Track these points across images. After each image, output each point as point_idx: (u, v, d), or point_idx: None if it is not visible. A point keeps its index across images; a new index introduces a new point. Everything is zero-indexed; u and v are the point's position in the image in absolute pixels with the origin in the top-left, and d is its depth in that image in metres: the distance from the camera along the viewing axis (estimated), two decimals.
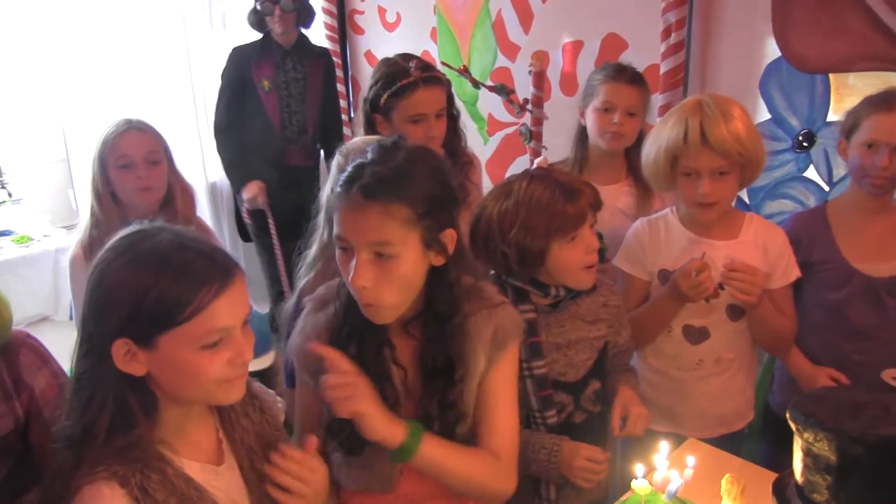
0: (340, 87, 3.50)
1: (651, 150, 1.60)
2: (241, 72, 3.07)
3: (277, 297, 3.13)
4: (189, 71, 3.61)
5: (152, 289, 0.90)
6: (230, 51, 3.12)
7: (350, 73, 3.66)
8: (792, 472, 1.09)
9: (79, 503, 0.89)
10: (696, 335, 1.65)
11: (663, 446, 1.20)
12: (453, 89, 1.92)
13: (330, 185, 1.55)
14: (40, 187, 3.76)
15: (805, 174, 2.27)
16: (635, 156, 1.91)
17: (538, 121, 2.56)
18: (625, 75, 1.92)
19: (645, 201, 1.96)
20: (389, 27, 3.41)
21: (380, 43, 3.45)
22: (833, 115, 2.16)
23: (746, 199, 2.36)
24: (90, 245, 1.81)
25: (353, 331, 1.16)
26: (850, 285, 1.67)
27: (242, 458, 1.07)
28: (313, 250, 1.53)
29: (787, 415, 1.06)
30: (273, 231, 3.01)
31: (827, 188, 2.23)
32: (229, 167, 3.14)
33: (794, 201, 2.30)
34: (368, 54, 3.54)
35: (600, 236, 1.47)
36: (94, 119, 3.37)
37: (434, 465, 1.13)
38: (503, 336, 1.18)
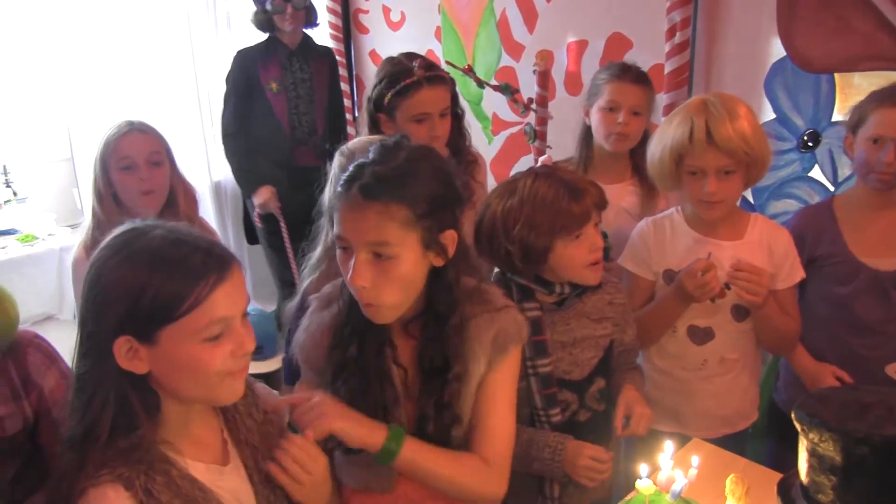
0: (345, 87, 3.50)
1: (656, 149, 1.60)
2: (247, 74, 3.04)
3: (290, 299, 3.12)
4: (193, 70, 3.61)
5: (150, 284, 0.89)
6: (234, 54, 3.10)
7: (354, 72, 3.66)
8: (797, 473, 1.09)
9: None
10: (701, 335, 1.65)
11: (668, 446, 1.20)
12: (458, 88, 1.92)
13: (331, 185, 1.56)
14: (45, 186, 3.76)
15: (810, 174, 2.27)
16: (640, 155, 1.90)
17: (543, 120, 2.56)
18: (630, 75, 1.92)
19: (650, 201, 1.95)
20: (394, 26, 3.41)
21: (384, 42, 3.45)
22: (838, 115, 2.16)
23: (751, 199, 2.36)
24: (92, 246, 1.80)
25: (355, 330, 1.17)
26: (856, 279, 1.67)
27: (247, 458, 1.07)
28: (318, 251, 1.54)
29: (793, 415, 1.06)
30: (285, 235, 2.99)
31: (832, 188, 2.22)
32: (239, 172, 3.11)
33: (798, 201, 2.29)
34: (373, 53, 3.54)
35: (605, 235, 1.47)
36: (98, 118, 3.38)
37: (417, 469, 1.13)
38: (505, 340, 1.17)
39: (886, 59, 1.97)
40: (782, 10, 2.08)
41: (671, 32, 2.39)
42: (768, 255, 1.61)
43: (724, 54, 2.39)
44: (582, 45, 2.74)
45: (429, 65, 1.76)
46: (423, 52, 3.06)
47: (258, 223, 3.10)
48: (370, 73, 3.52)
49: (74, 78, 3.42)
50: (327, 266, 1.48)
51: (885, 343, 1.68)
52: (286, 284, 3.12)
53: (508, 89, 2.78)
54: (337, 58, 3.42)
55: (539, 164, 1.57)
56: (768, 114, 2.28)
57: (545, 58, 2.49)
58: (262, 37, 3.12)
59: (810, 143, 2.23)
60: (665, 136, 1.57)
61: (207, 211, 3.75)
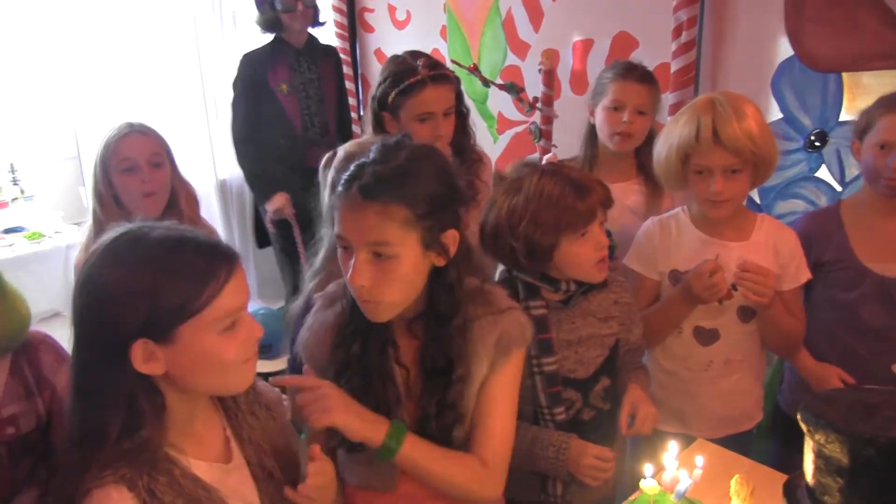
0: (350, 86, 3.50)
1: (663, 147, 1.60)
2: (255, 77, 3.00)
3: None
4: (199, 69, 3.62)
5: (165, 287, 0.90)
6: (240, 58, 3.05)
7: (360, 71, 3.67)
8: (802, 474, 1.08)
9: None
10: (707, 337, 1.64)
11: (672, 446, 1.19)
12: (463, 88, 1.92)
13: (328, 187, 1.56)
14: (52, 184, 3.78)
15: (817, 174, 2.26)
16: (645, 154, 1.90)
17: (548, 119, 2.56)
18: (635, 74, 1.91)
19: (655, 200, 1.95)
20: (399, 25, 3.41)
21: (389, 41, 3.45)
22: (846, 115, 2.15)
23: (757, 199, 2.35)
24: None
25: (358, 329, 1.17)
26: (863, 285, 1.66)
27: (251, 455, 1.07)
28: (320, 254, 1.54)
29: (798, 416, 1.05)
30: (299, 240, 2.96)
31: (839, 188, 2.21)
32: (253, 178, 3.08)
33: (805, 201, 2.28)
34: (378, 52, 3.54)
35: (609, 234, 1.47)
36: (104, 117, 3.39)
37: (415, 467, 1.14)
38: (508, 342, 1.17)
39: None
40: (790, 8, 2.07)
41: (677, 31, 2.38)
42: (774, 256, 1.61)
43: (730, 53, 2.38)
44: (587, 45, 2.74)
45: (433, 64, 1.76)
46: (428, 51, 3.05)
47: (271, 229, 3.07)
48: (375, 72, 3.52)
49: (81, 77, 3.43)
50: (330, 268, 1.48)
51: (891, 349, 1.67)
52: (296, 290, 3.10)
53: (514, 88, 2.78)
54: (342, 56, 3.42)
55: (544, 161, 1.56)
56: (775, 113, 2.27)
57: (551, 57, 2.48)
58: (268, 37, 3.08)
59: (817, 143, 2.22)
60: (672, 134, 1.57)
61: (213, 210, 3.76)
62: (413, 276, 1.10)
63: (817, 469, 1.02)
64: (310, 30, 3.13)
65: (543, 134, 2.57)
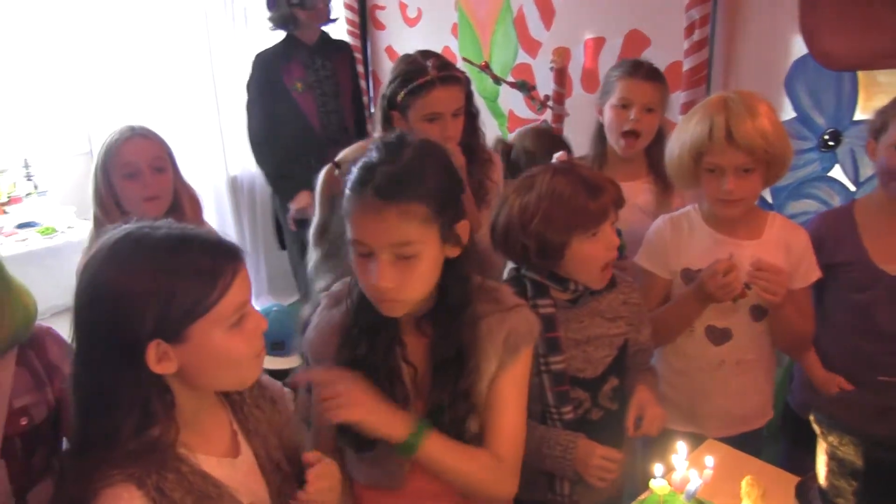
0: (361, 83, 3.50)
1: (675, 146, 1.59)
2: (269, 77, 2.98)
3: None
4: (210, 66, 3.63)
5: (175, 288, 0.90)
6: (253, 59, 3.03)
7: (371, 68, 3.67)
8: (815, 476, 1.08)
9: None
10: (719, 336, 1.64)
11: (681, 446, 1.19)
12: (474, 86, 1.92)
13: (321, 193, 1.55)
14: (65, 180, 3.80)
15: (830, 174, 2.24)
16: (655, 153, 1.89)
17: (559, 117, 2.56)
18: (641, 71, 1.90)
19: (665, 199, 1.94)
20: (410, 22, 3.41)
21: (401, 38, 3.45)
22: (861, 114, 2.13)
23: (769, 199, 2.34)
24: None
25: (365, 329, 1.17)
26: (876, 286, 1.65)
27: (258, 448, 1.08)
28: (315, 256, 1.53)
29: (811, 417, 1.04)
30: None
31: (853, 188, 2.20)
32: (275, 179, 3.06)
33: (818, 201, 2.27)
34: (389, 49, 3.55)
35: (619, 233, 1.46)
36: (117, 113, 3.41)
37: (436, 463, 1.13)
38: (516, 340, 1.17)
39: None
40: (805, 7, 2.05)
41: (690, 30, 2.37)
42: (786, 254, 1.60)
43: (743, 52, 2.37)
44: (599, 43, 2.73)
45: (443, 64, 1.76)
46: (439, 49, 3.06)
47: (293, 228, 3.06)
48: (386, 70, 3.53)
49: (94, 74, 3.46)
50: (335, 266, 1.49)
51: None
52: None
53: (525, 86, 2.78)
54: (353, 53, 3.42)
55: (555, 159, 1.56)
56: (788, 112, 2.25)
57: (562, 55, 2.48)
58: (278, 34, 3.07)
59: (831, 143, 2.21)
60: (684, 133, 1.56)
61: (224, 206, 3.78)
62: (433, 270, 1.11)
63: (830, 471, 1.02)
64: (321, 26, 3.13)
65: (555, 131, 2.57)
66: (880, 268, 1.65)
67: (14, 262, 3.18)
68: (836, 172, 2.23)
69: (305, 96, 3.01)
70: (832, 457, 1.01)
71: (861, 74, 2.10)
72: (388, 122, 1.80)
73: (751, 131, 1.46)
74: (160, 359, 0.91)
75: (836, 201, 2.21)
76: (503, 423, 1.18)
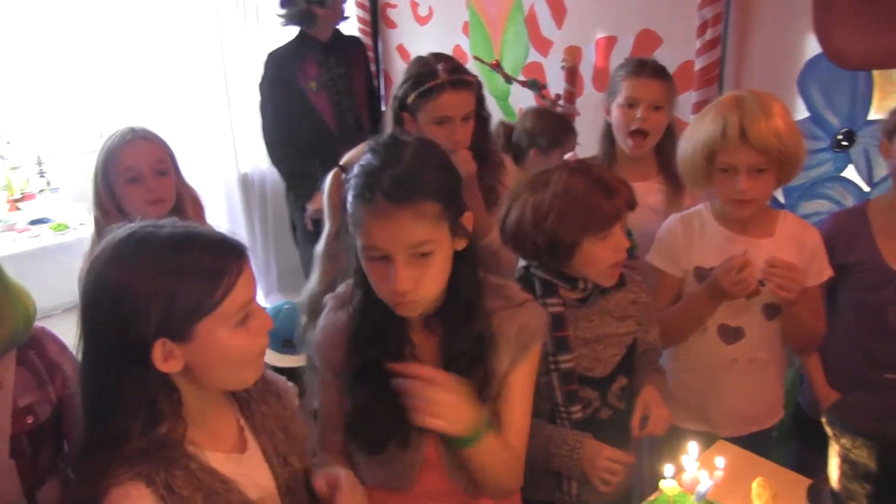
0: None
1: (688, 145, 1.58)
2: (283, 76, 2.96)
3: None
4: (222, 62, 3.64)
5: (180, 286, 0.90)
6: (266, 58, 3.02)
7: (382, 66, 3.67)
8: (827, 479, 1.07)
9: None
10: (731, 334, 1.63)
11: (692, 447, 1.18)
12: (484, 84, 1.92)
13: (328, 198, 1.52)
14: (77, 176, 3.83)
15: (843, 174, 2.22)
16: (665, 152, 1.89)
17: (570, 116, 2.55)
18: (647, 70, 1.90)
19: (676, 199, 1.93)
20: (421, 21, 3.41)
21: (412, 37, 3.45)
22: (875, 114, 2.11)
23: (781, 199, 2.32)
24: None
25: (374, 335, 1.16)
26: (889, 287, 1.64)
27: (265, 443, 1.08)
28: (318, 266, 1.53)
29: (824, 419, 1.04)
30: None
31: (867, 188, 2.18)
32: (292, 179, 3.05)
33: (831, 202, 2.25)
34: (400, 48, 3.55)
35: (629, 233, 1.46)
36: (128, 110, 3.43)
37: (478, 456, 1.12)
38: (528, 336, 1.18)
39: None
40: (818, 5, 2.03)
41: (702, 29, 2.36)
42: (799, 252, 1.60)
43: (756, 51, 2.35)
44: (611, 42, 2.72)
45: (454, 68, 1.76)
46: (450, 47, 3.06)
47: (310, 227, 3.05)
48: (397, 68, 3.54)
49: (105, 71, 3.48)
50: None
51: None
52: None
53: (536, 85, 2.78)
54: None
55: (566, 158, 1.56)
56: (801, 112, 2.24)
57: (573, 54, 2.48)
58: (290, 31, 3.05)
59: (845, 143, 2.19)
60: (697, 132, 1.56)
61: (235, 203, 3.80)
62: (447, 265, 1.11)
63: (843, 474, 1.01)
64: (336, 25, 3.12)
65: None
66: (893, 268, 1.64)
67: (27, 257, 3.22)
68: (850, 172, 2.21)
69: (319, 95, 2.99)
70: (845, 459, 1.00)
71: (876, 74, 2.08)
72: (398, 123, 1.81)
73: (765, 131, 1.46)
74: (166, 358, 0.91)
75: (850, 202, 2.19)
76: (514, 417, 1.19)
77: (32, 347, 1.31)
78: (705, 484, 1.11)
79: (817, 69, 2.18)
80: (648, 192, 1.94)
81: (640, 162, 1.96)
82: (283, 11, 2.99)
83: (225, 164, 3.74)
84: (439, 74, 1.71)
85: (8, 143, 3.56)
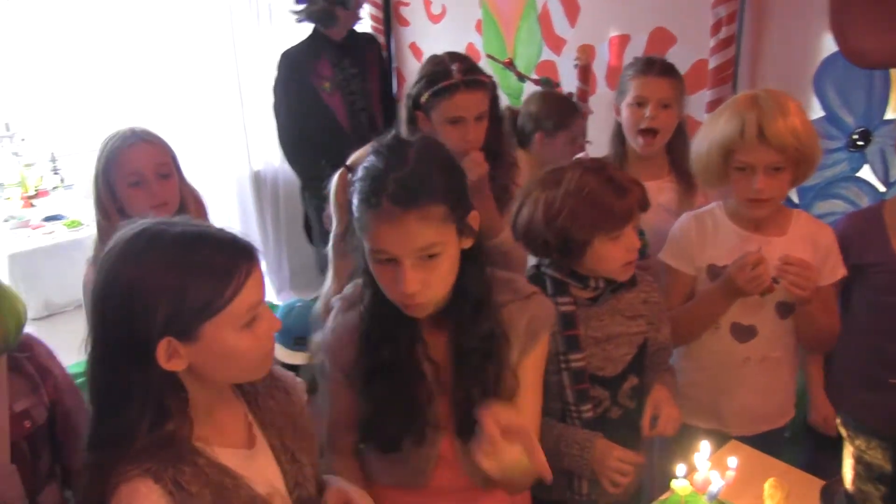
0: None
1: (703, 144, 1.58)
2: (297, 76, 2.95)
3: None
4: (234, 60, 3.65)
5: (189, 285, 0.90)
6: (279, 58, 3.00)
7: (395, 64, 3.68)
8: (840, 480, 1.06)
9: (116, 503, 0.90)
10: (744, 333, 1.62)
11: (704, 446, 1.18)
12: (497, 82, 1.91)
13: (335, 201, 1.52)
14: (90, 173, 3.87)
15: (859, 174, 2.20)
16: (677, 151, 1.88)
17: (583, 115, 2.54)
18: (654, 68, 1.89)
19: (688, 198, 1.92)
20: (434, 19, 3.41)
21: (425, 35, 3.45)
22: (891, 113, 2.09)
23: (796, 199, 2.31)
24: None
25: (384, 336, 1.16)
26: None
27: (273, 439, 1.08)
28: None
29: (838, 420, 1.03)
30: None
31: (883, 188, 2.16)
32: (309, 180, 3.03)
33: (845, 202, 2.23)
34: (413, 46, 3.55)
35: (641, 233, 1.46)
36: (141, 108, 3.45)
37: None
38: (538, 327, 1.19)
39: None
40: (835, 3, 2.01)
41: (716, 27, 2.35)
42: (813, 250, 1.59)
43: (770, 50, 2.34)
44: (624, 40, 2.71)
45: (469, 68, 1.75)
46: (463, 46, 3.05)
47: (327, 226, 3.05)
48: (410, 66, 3.54)
49: (119, 69, 3.50)
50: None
51: None
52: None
53: (549, 83, 2.77)
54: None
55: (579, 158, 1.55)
56: (816, 111, 2.22)
57: (586, 52, 2.47)
58: (303, 29, 3.04)
59: (860, 142, 2.17)
60: (713, 131, 1.55)
61: (247, 201, 3.81)
62: (454, 265, 1.11)
63: (857, 475, 1.00)
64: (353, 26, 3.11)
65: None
66: None
67: (41, 254, 3.25)
68: (865, 172, 2.19)
69: (333, 96, 2.98)
70: (859, 460, 0.99)
71: (893, 72, 2.06)
72: (412, 122, 1.81)
73: (782, 130, 1.45)
74: (170, 356, 0.91)
75: (865, 202, 2.17)
76: (526, 403, 1.19)
77: (23, 351, 1.30)
78: (717, 484, 1.11)
79: (833, 68, 2.16)
80: (660, 190, 1.94)
81: (651, 161, 1.95)
82: (299, 8, 2.97)
83: (237, 162, 3.75)
84: (453, 74, 1.72)
85: (22, 140, 3.60)
